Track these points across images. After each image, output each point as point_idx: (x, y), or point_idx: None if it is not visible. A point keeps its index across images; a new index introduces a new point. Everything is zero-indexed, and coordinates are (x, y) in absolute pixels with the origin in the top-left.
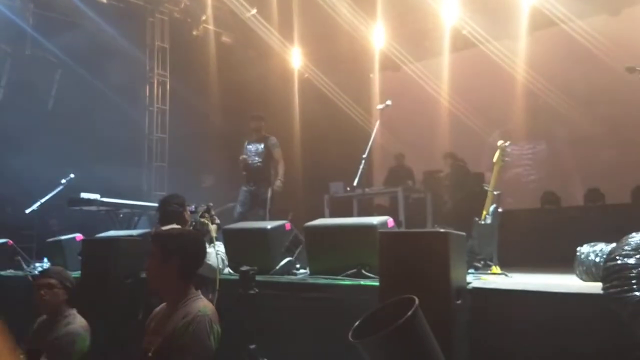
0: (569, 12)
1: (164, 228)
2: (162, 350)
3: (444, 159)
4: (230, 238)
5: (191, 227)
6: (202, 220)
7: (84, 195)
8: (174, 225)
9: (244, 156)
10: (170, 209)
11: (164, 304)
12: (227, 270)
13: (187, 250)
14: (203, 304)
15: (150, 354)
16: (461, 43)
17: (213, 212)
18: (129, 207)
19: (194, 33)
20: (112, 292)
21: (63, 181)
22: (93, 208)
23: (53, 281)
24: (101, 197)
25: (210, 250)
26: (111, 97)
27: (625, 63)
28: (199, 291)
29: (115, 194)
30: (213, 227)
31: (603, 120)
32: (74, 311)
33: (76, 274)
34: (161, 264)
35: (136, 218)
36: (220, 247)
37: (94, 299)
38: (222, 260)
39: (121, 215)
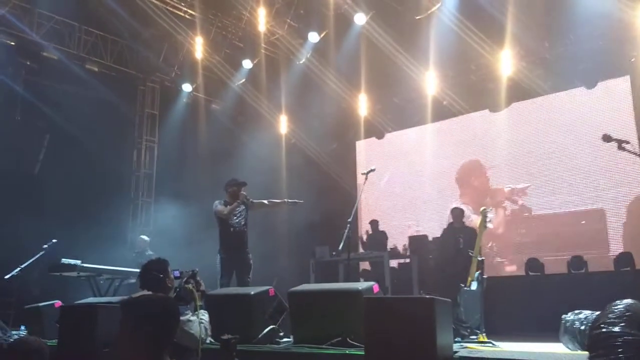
0: (545, 84)
1: (134, 295)
2: None
3: (452, 212)
4: (212, 304)
5: (174, 294)
6: (187, 286)
7: (64, 260)
8: (145, 292)
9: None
10: (151, 275)
11: None
12: (209, 339)
13: (158, 319)
14: None
15: None
16: (442, 113)
17: (199, 278)
18: (109, 273)
19: (184, 100)
20: None
21: (45, 246)
22: (74, 274)
23: (19, 354)
24: (82, 262)
25: (193, 318)
26: (98, 162)
27: (601, 131)
28: None
29: (98, 260)
30: (198, 295)
31: (583, 187)
32: None
33: (54, 342)
34: (130, 334)
35: (117, 284)
36: (204, 315)
37: None
38: (205, 329)
39: (102, 282)
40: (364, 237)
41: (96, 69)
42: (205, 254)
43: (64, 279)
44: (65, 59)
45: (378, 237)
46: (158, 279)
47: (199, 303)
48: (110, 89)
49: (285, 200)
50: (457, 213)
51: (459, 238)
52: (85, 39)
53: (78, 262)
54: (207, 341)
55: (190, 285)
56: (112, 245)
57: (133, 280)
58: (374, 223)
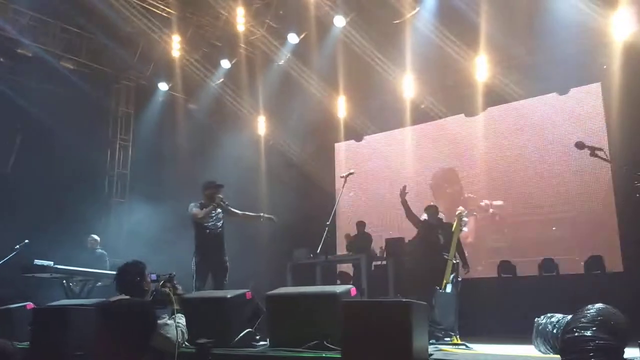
0: (519, 90)
1: (112, 299)
2: None
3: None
4: (188, 307)
5: (151, 297)
6: (164, 290)
7: (37, 262)
8: (122, 296)
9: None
10: (127, 278)
11: None
12: (185, 343)
13: (135, 323)
14: None
15: None
16: (420, 116)
17: (176, 282)
18: (82, 275)
19: (160, 99)
20: None
21: (16, 247)
22: (46, 275)
23: None
24: (55, 264)
25: (169, 322)
26: (72, 161)
27: (574, 137)
28: None
29: (71, 261)
30: (175, 298)
31: (555, 192)
32: None
33: (25, 344)
34: (108, 338)
35: (90, 285)
36: (181, 319)
37: None
38: (182, 333)
39: (74, 284)
40: (349, 239)
41: (71, 67)
42: (180, 256)
43: (37, 280)
44: (40, 55)
45: (363, 239)
46: (135, 282)
47: (175, 307)
48: (85, 86)
49: (262, 214)
50: (432, 210)
51: (438, 235)
52: (60, 36)
53: (51, 263)
54: (184, 345)
55: (167, 289)
56: (85, 246)
57: (100, 283)
58: (359, 225)
